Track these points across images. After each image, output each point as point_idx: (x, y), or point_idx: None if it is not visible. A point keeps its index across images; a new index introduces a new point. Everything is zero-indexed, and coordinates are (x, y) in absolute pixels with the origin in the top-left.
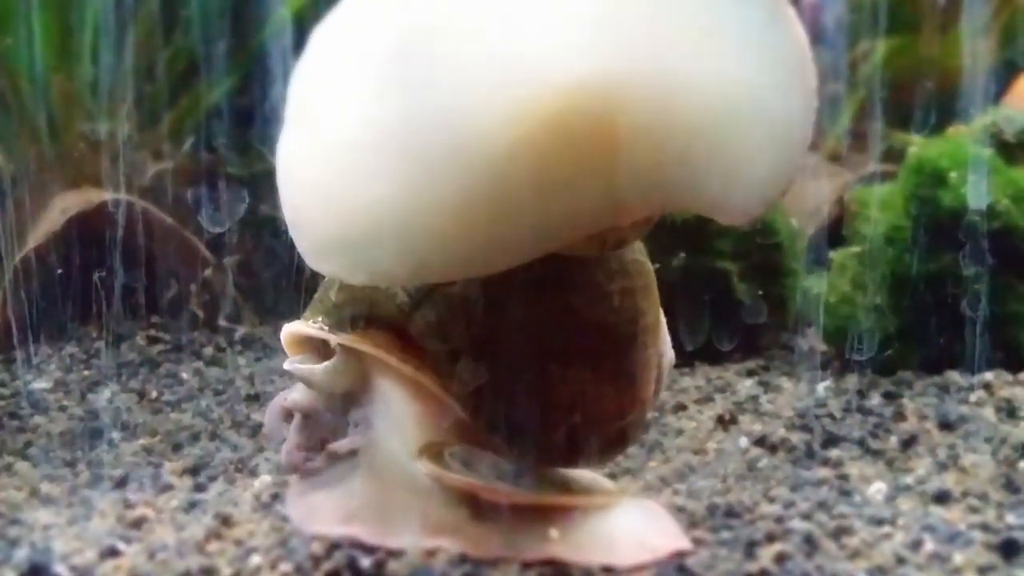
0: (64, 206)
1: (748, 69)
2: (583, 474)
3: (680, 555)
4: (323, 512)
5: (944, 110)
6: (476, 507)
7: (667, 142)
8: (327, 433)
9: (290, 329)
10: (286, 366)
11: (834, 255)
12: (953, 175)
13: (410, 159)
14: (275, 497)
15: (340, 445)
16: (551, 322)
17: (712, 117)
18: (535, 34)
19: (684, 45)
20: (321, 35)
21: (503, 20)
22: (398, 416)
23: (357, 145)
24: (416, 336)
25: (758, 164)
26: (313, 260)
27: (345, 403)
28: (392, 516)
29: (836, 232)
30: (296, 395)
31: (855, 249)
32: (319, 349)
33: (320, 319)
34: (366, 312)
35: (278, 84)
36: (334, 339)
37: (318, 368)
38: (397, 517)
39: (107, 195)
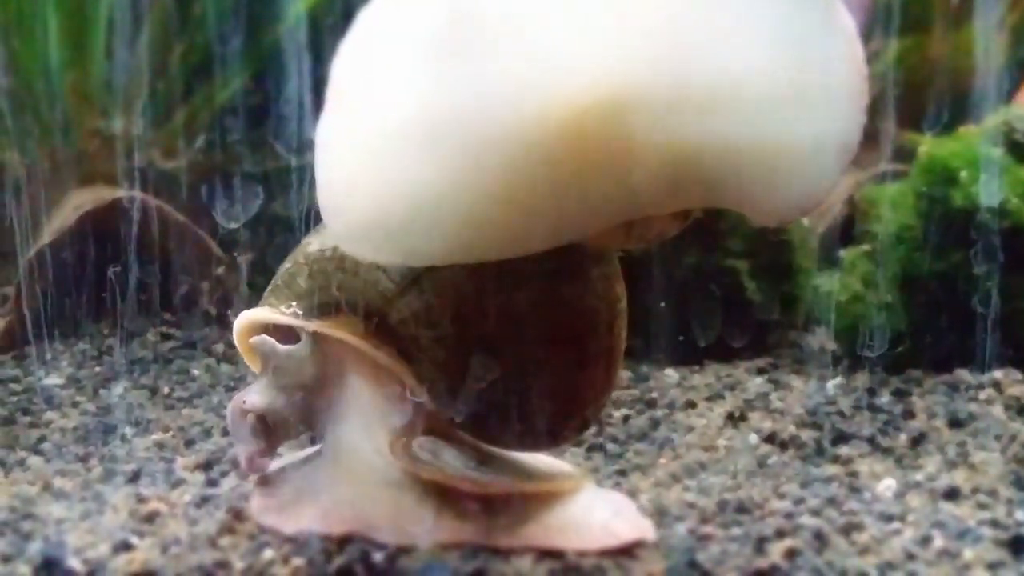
0: (77, 203)
1: (795, 76)
2: (546, 460)
3: (642, 543)
4: (295, 514)
5: (955, 109)
6: (447, 498)
7: (702, 143)
8: (285, 436)
9: (251, 316)
10: (252, 340)
11: (845, 253)
12: (964, 174)
13: (450, 144)
14: None
15: (299, 455)
16: (540, 306)
17: (752, 121)
18: (577, 27)
19: (727, 49)
20: (365, 19)
21: (545, 11)
22: (367, 408)
23: (397, 130)
24: (398, 323)
25: (798, 171)
26: (348, 243)
27: (305, 400)
28: (365, 511)
29: (847, 231)
30: (254, 396)
31: (865, 248)
32: (280, 339)
33: (294, 304)
34: (338, 299)
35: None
36: (308, 326)
37: (282, 348)
38: (370, 512)
39: (120, 192)
